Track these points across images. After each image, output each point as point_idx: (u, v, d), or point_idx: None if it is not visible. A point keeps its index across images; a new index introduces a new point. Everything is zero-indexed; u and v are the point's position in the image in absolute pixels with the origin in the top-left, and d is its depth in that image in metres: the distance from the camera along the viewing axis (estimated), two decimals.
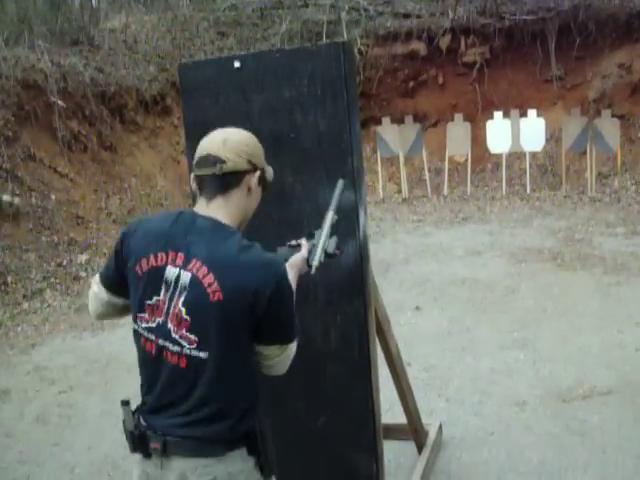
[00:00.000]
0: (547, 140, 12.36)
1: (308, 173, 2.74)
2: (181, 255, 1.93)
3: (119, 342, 6.52)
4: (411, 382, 3.74)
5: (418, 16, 14.79)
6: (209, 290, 1.88)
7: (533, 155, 12.33)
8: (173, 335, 1.95)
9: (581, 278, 7.35)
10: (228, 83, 2.77)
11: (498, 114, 12.34)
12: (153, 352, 2.00)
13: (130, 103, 10.99)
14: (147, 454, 2.02)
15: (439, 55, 14.64)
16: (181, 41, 13.26)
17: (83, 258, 8.56)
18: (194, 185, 2.08)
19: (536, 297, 6.83)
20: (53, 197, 9.00)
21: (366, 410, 2.88)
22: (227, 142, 1.99)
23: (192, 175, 2.07)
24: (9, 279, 7.98)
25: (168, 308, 1.94)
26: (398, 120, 13.04)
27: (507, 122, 12.19)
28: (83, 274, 8.36)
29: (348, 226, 2.73)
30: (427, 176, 12.60)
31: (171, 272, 1.94)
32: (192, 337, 1.92)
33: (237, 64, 2.74)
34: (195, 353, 1.93)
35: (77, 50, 11.07)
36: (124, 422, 2.06)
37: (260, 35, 14.84)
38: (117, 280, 2.12)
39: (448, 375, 5.26)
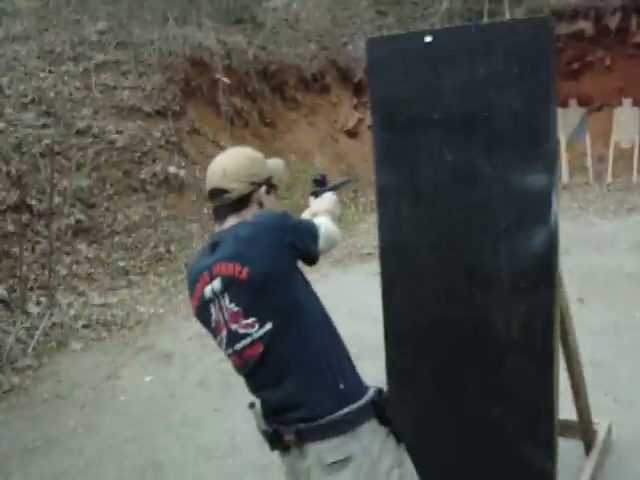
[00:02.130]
0: None
1: (499, 155, 2.62)
2: (205, 273, 2.10)
3: None
4: None
5: None
6: (237, 274, 2.02)
7: None
8: (240, 332, 2.06)
9: None
10: (418, 58, 2.70)
11: (627, 101, 11.53)
12: (238, 361, 2.12)
13: (290, 80, 11.16)
14: (285, 448, 2.10)
15: (607, 35, 13.84)
16: (341, 20, 13.28)
17: None
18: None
19: None
20: None
21: (546, 404, 2.75)
22: (226, 172, 2.14)
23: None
24: (172, 247, 8.34)
25: (224, 317, 2.09)
26: (561, 103, 12.47)
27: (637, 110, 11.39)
28: None
29: (539, 211, 2.60)
30: (589, 163, 12.00)
31: (207, 291, 2.10)
32: (251, 320, 2.04)
33: (428, 39, 2.66)
34: (262, 331, 2.03)
35: (241, 28, 11.34)
36: (257, 424, 2.17)
37: (419, 14, 14.61)
38: None
39: (616, 373, 4.95)
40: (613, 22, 13.69)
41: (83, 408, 5.16)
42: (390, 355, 3.03)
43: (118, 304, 7.10)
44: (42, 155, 7.98)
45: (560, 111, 12.10)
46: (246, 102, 10.44)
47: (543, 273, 2.64)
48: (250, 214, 2.18)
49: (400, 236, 2.88)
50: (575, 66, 14.10)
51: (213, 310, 2.13)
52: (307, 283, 2.17)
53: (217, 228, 2.23)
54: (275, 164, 2.35)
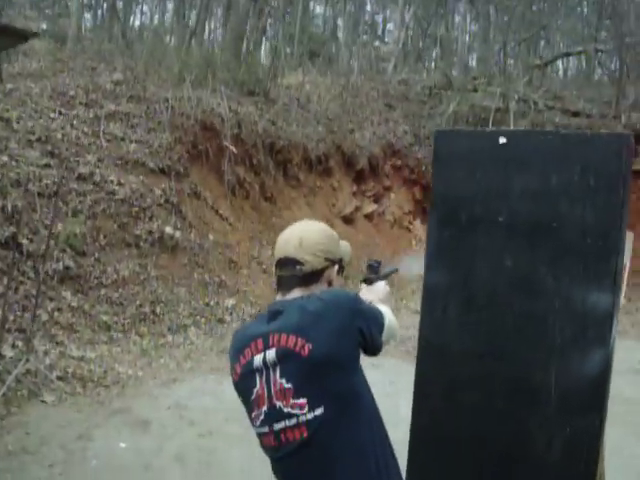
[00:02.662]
0: None
1: (564, 267, 2.51)
2: (260, 340, 1.96)
3: None
4: None
5: (588, 115, 14.45)
6: (297, 349, 1.89)
7: None
8: (285, 410, 1.91)
9: None
10: (489, 158, 2.62)
11: None
12: (273, 442, 1.96)
13: (295, 158, 11.18)
14: None
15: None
16: (350, 107, 13.46)
17: (230, 302, 8.61)
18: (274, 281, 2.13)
19: None
20: (211, 237, 9.16)
21: None
22: (303, 243, 2.04)
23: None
24: (158, 309, 8.11)
25: (269, 391, 1.93)
26: None
27: None
28: (228, 318, 8.39)
29: (598, 332, 2.47)
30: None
31: (257, 359, 1.95)
32: (301, 401, 1.89)
33: (503, 140, 2.58)
34: (311, 415, 1.89)
35: (253, 101, 11.41)
36: None
37: (426, 112, 14.91)
38: None
39: None
40: None
41: (51, 467, 4.83)
42: (414, 465, 2.83)
43: (96, 359, 6.81)
44: (40, 194, 7.81)
45: None
46: (249, 174, 10.41)
47: (594, 397, 2.50)
48: (318, 291, 2.07)
49: (443, 339, 2.73)
50: None
51: (258, 381, 1.97)
52: (363, 372, 2.03)
53: (278, 297, 2.11)
54: (345, 246, 2.26)
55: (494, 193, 2.61)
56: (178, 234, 8.74)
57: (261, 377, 1.97)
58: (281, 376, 1.93)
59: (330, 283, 2.12)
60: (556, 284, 2.52)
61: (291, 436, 1.92)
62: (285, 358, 1.92)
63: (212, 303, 8.49)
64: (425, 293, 2.79)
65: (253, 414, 2.00)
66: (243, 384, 2.02)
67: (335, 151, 12.14)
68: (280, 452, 1.96)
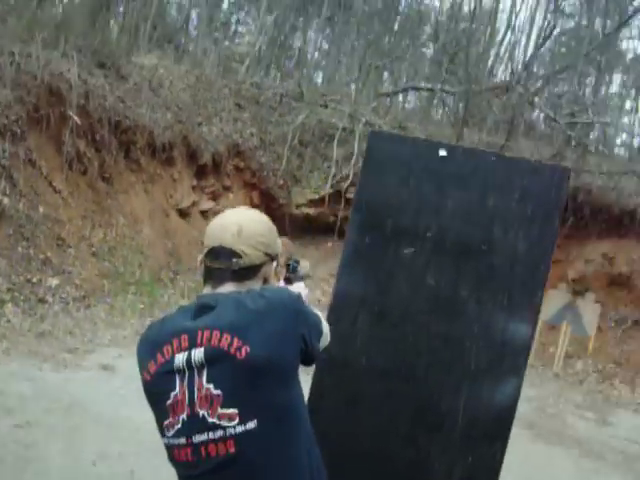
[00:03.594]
0: None
1: (489, 293, 2.44)
2: (184, 337, 1.69)
3: (83, 385, 5.98)
4: None
5: None
6: (232, 350, 1.64)
7: None
8: (209, 420, 1.65)
9: (559, 455, 7.11)
10: (425, 168, 2.50)
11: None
12: (190, 457, 1.68)
13: (140, 142, 10.63)
14: None
15: None
16: (201, 100, 13.06)
17: (54, 282, 7.95)
18: (200, 271, 1.87)
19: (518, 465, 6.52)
20: (41, 210, 8.44)
21: None
22: (242, 232, 1.79)
23: (200, 259, 1.84)
24: None
25: (191, 397, 1.67)
26: None
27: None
28: (50, 298, 7.73)
29: (514, 362, 2.43)
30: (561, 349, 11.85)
31: (179, 358, 1.69)
32: (231, 411, 1.64)
33: (443, 152, 2.48)
34: (241, 428, 1.63)
35: (104, 74, 10.73)
36: None
37: (275, 119, 14.81)
38: None
39: None
40: None
41: None
42: None
43: None
44: None
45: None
46: (90, 149, 9.73)
47: (500, 427, 2.45)
48: (250, 287, 1.81)
49: (347, 353, 2.56)
50: None
51: (178, 384, 1.69)
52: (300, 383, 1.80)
53: (206, 290, 1.82)
54: (280, 244, 2.00)
55: (426, 206, 2.49)
56: (6, 201, 7.96)
57: (182, 380, 1.69)
58: (209, 380, 1.66)
59: (266, 281, 1.87)
60: (478, 309, 2.44)
61: (214, 451, 1.65)
62: (215, 360, 1.66)
63: (34, 280, 7.79)
64: (334, 301, 2.62)
65: (166, 422, 1.71)
66: (157, 386, 1.72)
67: (181, 141, 11.69)
68: (198, 469, 1.67)
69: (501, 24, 23.20)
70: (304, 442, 1.73)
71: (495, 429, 2.44)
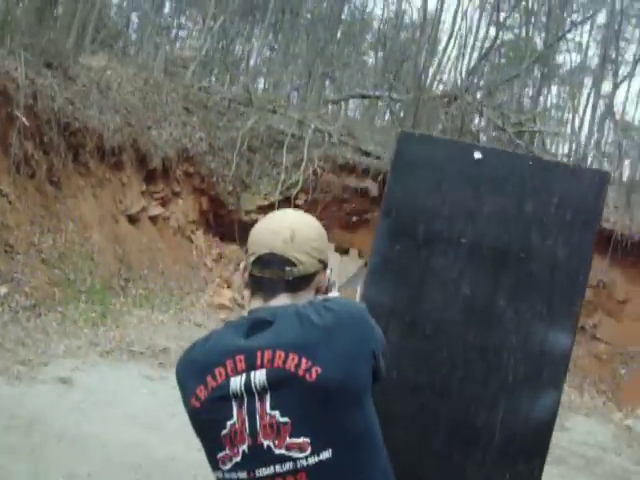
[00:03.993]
0: None
1: (527, 302, 2.34)
2: (240, 357, 1.52)
3: (41, 400, 5.69)
4: None
5: (378, 157, 15.01)
6: (301, 372, 1.47)
7: None
8: (276, 452, 1.47)
9: None
10: (459, 171, 2.39)
11: None
12: None
13: (89, 145, 10.28)
14: None
15: None
16: (150, 103, 12.76)
17: (2, 290, 7.57)
18: (245, 280, 1.70)
19: None
20: None
21: None
22: (295, 238, 1.62)
23: (243, 266, 1.71)
24: None
25: (253, 426, 1.49)
26: (342, 251, 12.94)
27: None
28: None
29: (553, 374, 2.33)
30: None
31: (236, 382, 1.51)
32: (303, 440, 1.47)
33: (478, 155, 2.37)
34: (314, 459, 1.47)
35: (53, 74, 10.34)
36: None
37: (223, 124, 14.60)
38: None
39: None
40: None
41: None
42: None
43: None
44: None
45: (340, 257, 12.50)
46: (38, 151, 9.34)
47: (539, 442, 2.34)
48: (305, 299, 1.64)
49: None
50: (354, 219, 14.79)
51: (235, 412, 1.51)
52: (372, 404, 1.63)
53: (257, 303, 1.64)
54: None
55: (460, 210, 2.38)
56: None
57: (240, 406, 1.51)
58: (273, 407, 1.49)
59: (318, 290, 1.69)
60: (516, 319, 2.34)
61: None
62: (280, 383, 1.49)
63: None
64: None
65: (220, 454, 1.53)
66: (209, 413, 1.54)
67: (130, 145, 11.35)
68: None
69: (444, 34, 23.53)
70: (381, 468, 1.58)
71: (533, 444, 2.34)
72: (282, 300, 1.62)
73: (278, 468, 1.48)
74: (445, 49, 21.43)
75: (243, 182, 14.23)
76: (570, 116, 23.66)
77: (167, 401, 6.40)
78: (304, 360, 1.48)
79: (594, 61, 25.82)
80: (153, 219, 12.07)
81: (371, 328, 1.62)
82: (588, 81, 25.78)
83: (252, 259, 1.65)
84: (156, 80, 13.94)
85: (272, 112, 15.56)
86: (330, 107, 18.09)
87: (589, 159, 17.33)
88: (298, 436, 1.47)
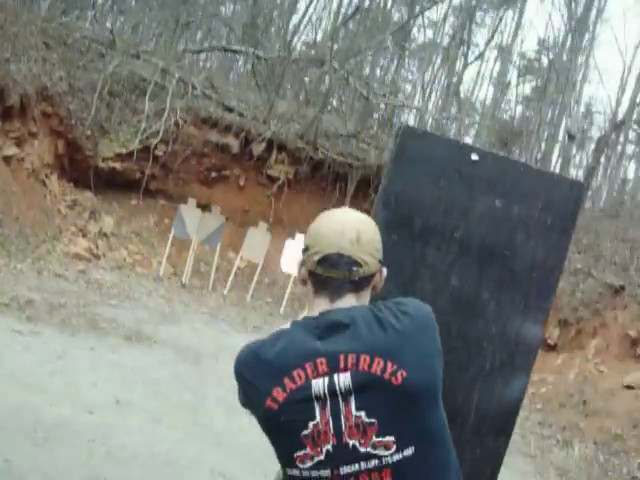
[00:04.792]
0: None
1: (508, 296, 2.56)
2: (322, 360, 1.59)
3: None
4: None
5: (241, 114, 14.95)
6: (387, 376, 1.57)
7: None
8: (362, 450, 1.57)
9: None
10: (457, 170, 2.54)
11: (300, 237, 12.66)
12: None
13: None
14: None
15: (249, 158, 14.84)
16: (7, 34, 11.89)
17: None
18: (304, 279, 1.77)
19: None
20: None
21: None
22: (361, 240, 1.69)
23: (300, 263, 1.77)
24: None
25: (337, 426, 1.58)
26: (203, 207, 12.85)
27: None
28: None
29: (524, 360, 2.58)
30: (213, 270, 12.38)
31: (318, 385, 1.58)
32: (388, 439, 1.57)
33: (475, 157, 2.54)
34: (398, 456, 1.58)
35: None
36: None
37: (84, 64, 13.90)
38: None
39: None
40: (257, 149, 14.75)
41: None
42: None
43: None
44: None
45: (201, 213, 12.41)
46: None
47: (507, 421, 2.60)
48: (366, 299, 1.74)
49: None
50: (213, 174, 14.70)
51: (319, 413, 1.58)
52: None
53: (322, 303, 1.70)
54: None
55: (455, 207, 2.55)
56: None
57: (323, 408, 1.58)
58: (358, 408, 1.57)
59: (374, 288, 1.78)
60: (497, 311, 2.56)
61: None
62: (366, 386, 1.57)
63: None
64: None
65: (300, 453, 1.59)
66: (290, 415, 1.59)
67: None
68: None
69: None
70: (454, 464, 1.72)
71: (502, 424, 2.58)
72: (348, 300, 1.68)
73: (363, 465, 1.57)
74: (305, 12, 21.51)
75: (102, 127, 13.69)
76: (419, 90, 24.67)
77: (43, 358, 6.23)
78: (389, 364, 1.57)
79: (445, 40, 26.99)
80: (7, 159, 11.36)
81: (437, 328, 1.76)
82: (438, 58, 26.93)
83: (317, 258, 1.68)
84: (13, 8, 12.97)
85: (135, 57, 14.99)
86: (194, 58, 17.70)
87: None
88: (384, 435, 1.57)
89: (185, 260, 12.47)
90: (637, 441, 9.21)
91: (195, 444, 5.13)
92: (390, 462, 1.57)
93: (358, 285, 1.70)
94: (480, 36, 29.50)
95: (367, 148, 15.70)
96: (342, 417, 1.57)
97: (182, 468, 4.61)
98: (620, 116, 21.89)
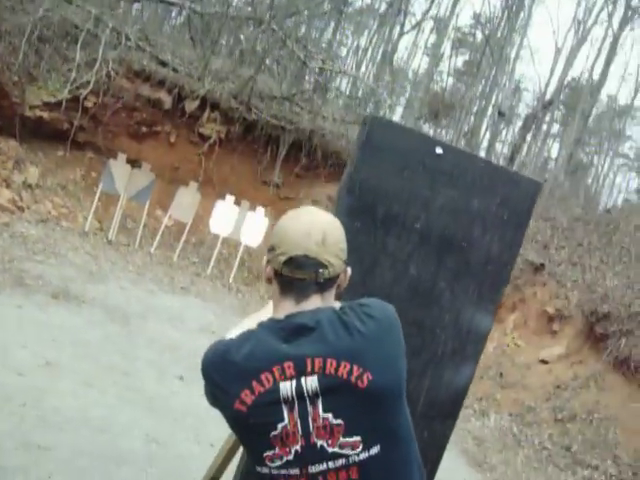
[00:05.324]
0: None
1: (463, 286, 2.65)
2: (289, 364, 1.63)
3: None
4: None
5: (174, 69, 14.62)
6: (352, 379, 1.62)
7: (247, 248, 12.70)
8: (329, 450, 1.63)
9: None
10: (421, 162, 2.59)
11: (231, 198, 12.57)
12: None
13: None
14: None
15: (181, 115, 14.57)
16: None
17: None
18: (269, 278, 1.79)
19: None
20: None
21: None
22: (326, 241, 1.71)
23: (266, 262, 1.78)
24: None
25: (305, 427, 1.63)
26: (131, 162, 12.56)
27: (236, 209, 12.47)
28: None
29: (474, 348, 2.69)
30: (141, 227, 12.19)
31: (286, 388, 1.63)
32: (355, 439, 1.63)
33: (439, 150, 2.59)
34: (365, 455, 1.64)
35: None
36: None
37: (10, 5, 13.26)
38: None
39: None
40: (190, 106, 14.48)
41: None
42: None
43: None
44: None
45: (130, 169, 12.16)
46: None
47: (455, 406, 2.71)
48: (331, 299, 1.78)
49: None
50: (143, 129, 14.38)
51: (287, 415, 1.63)
52: None
53: (287, 305, 1.73)
54: None
55: (417, 198, 2.60)
56: None
57: (291, 410, 1.63)
58: (326, 410, 1.63)
59: (339, 287, 1.81)
60: (452, 300, 2.65)
61: (333, 479, 1.63)
62: (333, 389, 1.62)
63: None
64: None
65: (269, 453, 1.64)
66: (258, 417, 1.64)
67: None
68: None
69: None
70: (416, 458, 1.79)
71: (449, 408, 2.70)
72: (314, 302, 1.72)
73: (331, 464, 1.63)
74: None
75: (30, 74, 13.14)
76: (352, 56, 24.60)
77: None
78: (355, 367, 1.62)
79: (383, 7, 26.94)
80: None
81: (400, 326, 1.82)
82: (374, 25, 26.89)
83: (283, 259, 1.70)
84: None
85: (67, 2, 14.40)
86: (128, 8, 17.11)
87: (369, 104, 18.24)
88: (351, 436, 1.63)
89: (112, 216, 12.22)
90: (548, 413, 9.67)
91: (128, 409, 5.11)
92: (357, 460, 1.63)
93: (323, 286, 1.73)
94: (418, 6, 29.58)
95: (300, 112, 15.61)
96: (310, 419, 1.62)
97: (116, 434, 4.59)
98: (548, 96, 22.44)
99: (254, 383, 1.62)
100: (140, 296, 8.93)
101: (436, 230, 2.62)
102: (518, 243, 2.71)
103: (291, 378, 1.62)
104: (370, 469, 1.64)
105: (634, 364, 9.61)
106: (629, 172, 34.38)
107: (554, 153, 29.31)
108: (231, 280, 12.13)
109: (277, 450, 1.63)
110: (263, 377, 1.62)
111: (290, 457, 1.63)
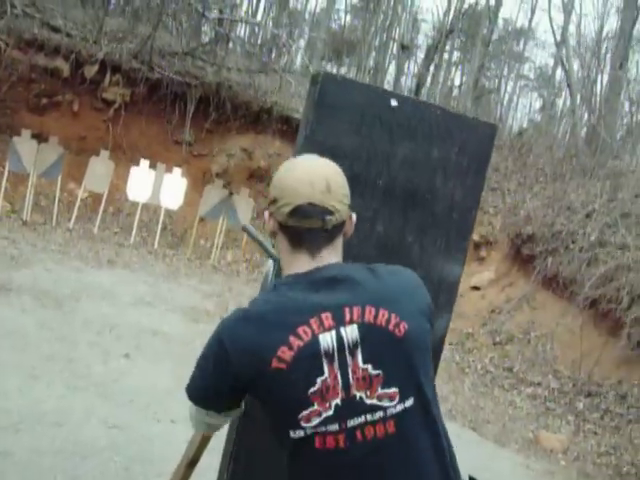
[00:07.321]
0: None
1: (430, 238, 2.60)
2: (326, 315, 1.58)
3: None
4: None
5: (68, 35, 13.95)
6: (391, 327, 1.60)
7: (168, 212, 12.41)
8: (367, 402, 1.58)
9: None
10: (377, 117, 2.50)
11: (145, 162, 12.22)
12: (342, 443, 1.58)
13: None
14: None
15: (81, 82, 13.96)
16: None
17: None
18: (274, 231, 1.75)
19: None
20: None
21: None
22: (331, 187, 1.68)
23: (268, 215, 1.74)
24: None
25: (345, 379, 1.58)
26: (40, 138, 12.00)
27: (152, 173, 12.13)
28: None
29: (447, 299, 2.67)
30: (56, 203, 11.73)
31: (325, 339, 1.57)
32: (392, 390, 1.59)
33: (394, 102, 2.50)
34: (400, 407, 1.60)
35: None
36: None
37: None
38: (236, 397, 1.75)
39: None
40: (89, 72, 13.89)
41: None
42: None
43: None
44: None
45: (37, 144, 11.63)
46: None
47: (433, 358, 2.68)
48: (339, 247, 1.75)
49: None
50: (43, 101, 13.74)
51: (327, 368, 1.57)
52: None
53: (303, 258, 1.69)
54: None
55: (377, 154, 2.53)
56: None
57: (331, 362, 1.56)
58: (365, 360, 1.58)
59: (345, 235, 1.78)
60: (421, 253, 2.62)
61: (372, 433, 1.58)
62: (373, 338, 1.59)
63: None
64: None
65: (306, 412, 1.56)
66: (297, 373, 1.56)
67: None
68: (349, 455, 1.57)
69: None
70: (441, 419, 1.74)
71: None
72: (328, 255, 1.70)
73: (369, 417, 1.57)
74: None
75: None
76: (248, 3, 23.98)
77: None
78: (393, 316, 1.60)
79: None
80: None
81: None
82: None
83: (288, 210, 1.66)
84: None
85: None
86: None
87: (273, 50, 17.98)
88: (389, 387, 1.59)
89: (23, 195, 11.70)
90: (487, 338, 9.96)
91: (80, 397, 4.95)
92: (394, 413, 1.59)
93: (332, 234, 1.70)
94: None
95: (204, 66, 15.19)
96: (349, 370, 1.58)
97: (74, 426, 4.43)
98: (447, 25, 22.53)
99: (291, 338, 1.56)
100: (68, 276, 8.61)
101: (399, 184, 2.56)
102: (480, 188, 2.68)
103: (330, 329, 1.57)
104: (406, 422, 1.61)
105: (562, 281, 9.96)
106: (531, 92, 35.13)
107: (457, 81, 29.65)
108: (156, 246, 11.88)
109: (316, 407, 1.56)
110: (300, 330, 1.57)
111: (330, 412, 1.56)
